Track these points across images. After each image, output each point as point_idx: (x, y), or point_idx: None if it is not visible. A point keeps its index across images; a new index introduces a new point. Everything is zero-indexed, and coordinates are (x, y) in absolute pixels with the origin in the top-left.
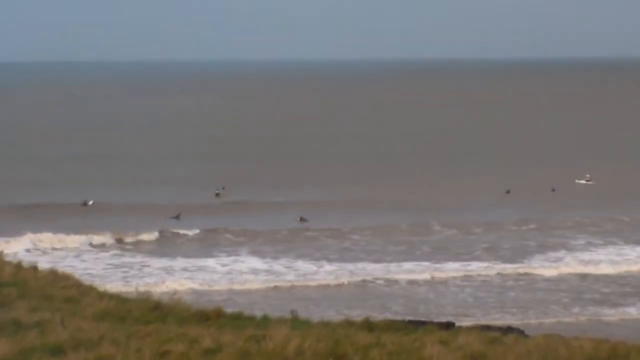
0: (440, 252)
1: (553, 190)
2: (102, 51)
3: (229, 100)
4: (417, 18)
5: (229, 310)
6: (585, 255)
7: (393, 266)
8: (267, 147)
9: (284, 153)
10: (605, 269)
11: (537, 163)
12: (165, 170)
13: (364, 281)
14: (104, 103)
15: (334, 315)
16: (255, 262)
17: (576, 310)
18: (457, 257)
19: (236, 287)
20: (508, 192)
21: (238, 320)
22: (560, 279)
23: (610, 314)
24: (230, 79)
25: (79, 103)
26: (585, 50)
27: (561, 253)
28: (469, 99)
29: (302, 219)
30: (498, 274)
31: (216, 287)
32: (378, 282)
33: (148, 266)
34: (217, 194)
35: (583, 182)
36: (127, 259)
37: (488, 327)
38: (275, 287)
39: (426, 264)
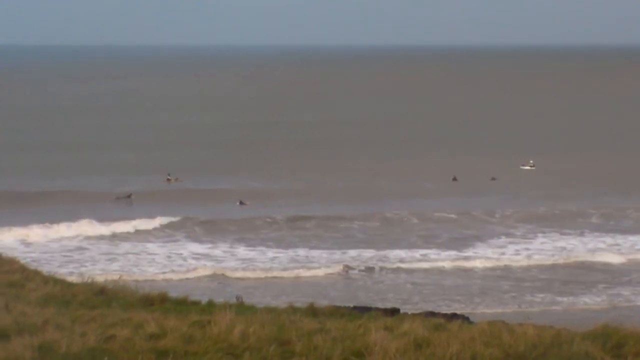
0: (383, 241)
1: (493, 179)
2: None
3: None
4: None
5: (173, 295)
6: (525, 244)
7: (338, 254)
8: (223, 134)
9: (238, 140)
10: (547, 259)
11: (485, 149)
12: (110, 156)
13: (304, 268)
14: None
15: (270, 301)
16: (196, 248)
17: (518, 298)
18: (397, 245)
19: (175, 274)
20: (454, 179)
21: (182, 305)
22: (501, 267)
23: (553, 302)
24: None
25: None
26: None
27: (501, 241)
28: (431, 86)
29: (241, 203)
30: (437, 261)
31: (156, 272)
32: (316, 270)
33: (89, 250)
34: (168, 180)
35: (527, 167)
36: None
37: (433, 314)
38: (214, 274)
39: (371, 251)
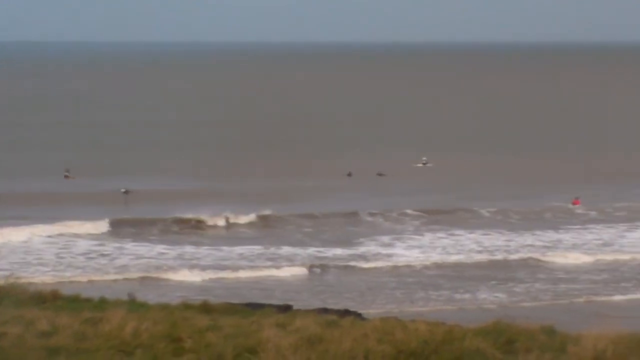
0: (270, 241)
1: (380, 174)
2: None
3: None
4: None
5: (66, 292)
6: (416, 242)
7: (226, 251)
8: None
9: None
10: (435, 257)
11: (383, 146)
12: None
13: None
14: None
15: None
16: (87, 245)
17: (409, 296)
18: (286, 242)
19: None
20: (349, 174)
21: (75, 302)
22: (390, 266)
23: (448, 300)
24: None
25: None
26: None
27: (390, 238)
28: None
29: (126, 191)
30: (323, 259)
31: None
32: (205, 268)
33: None
34: (66, 176)
35: (420, 165)
36: None
37: (325, 310)
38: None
39: (258, 247)
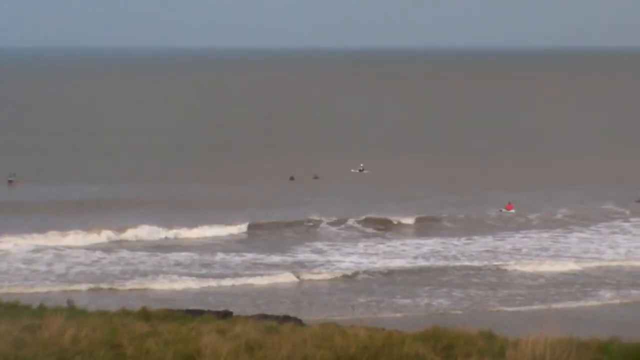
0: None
1: (316, 177)
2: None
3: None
4: None
5: (4, 299)
6: (349, 249)
7: (161, 257)
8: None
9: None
10: (371, 264)
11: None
12: None
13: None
14: None
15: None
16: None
17: (347, 302)
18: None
19: None
20: (292, 178)
21: (13, 309)
22: (328, 272)
23: (387, 306)
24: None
25: None
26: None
27: (325, 245)
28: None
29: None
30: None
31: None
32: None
33: None
34: (10, 181)
35: (357, 171)
36: None
37: (265, 316)
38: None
39: (193, 254)
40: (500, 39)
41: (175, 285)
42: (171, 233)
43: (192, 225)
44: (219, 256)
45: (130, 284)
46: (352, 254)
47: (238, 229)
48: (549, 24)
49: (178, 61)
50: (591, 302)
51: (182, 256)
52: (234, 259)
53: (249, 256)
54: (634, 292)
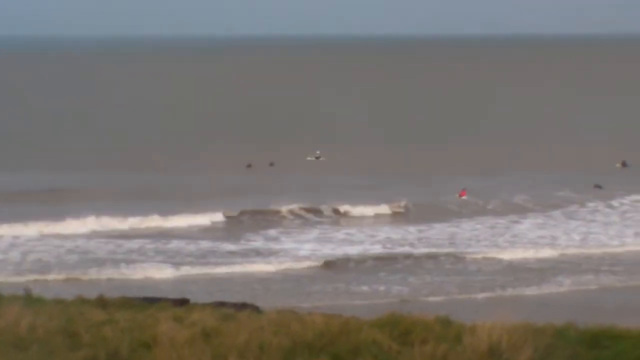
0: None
1: (271, 164)
2: None
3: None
4: None
5: None
6: (302, 237)
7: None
8: None
9: None
10: (328, 251)
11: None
12: None
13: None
14: None
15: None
16: None
17: (305, 289)
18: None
19: None
20: (249, 165)
21: None
22: (283, 260)
23: (340, 293)
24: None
25: None
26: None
27: (275, 232)
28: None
29: None
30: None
31: None
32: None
33: None
34: None
35: (313, 158)
36: None
37: (222, 304)
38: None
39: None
40: (476, 26)
41: (131, 273)
42: (127, 222)
43: (146, 214)
44: (174, 244)
45: (85, 273)
46: (308, 241)
47: (193, 217)
48: (522, 10)
49: (157, 49)
50: (548, 288)
51: (137, 243)
52: (189, 247)
53: (205, 244)
54: (590, 277)
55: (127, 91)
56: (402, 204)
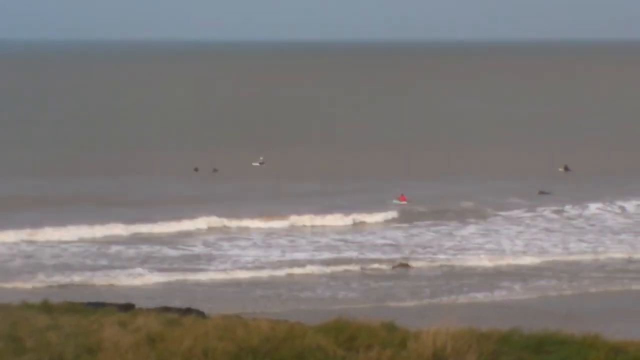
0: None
1: (215, 170)
2: None
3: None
4: None
5: None
6: (246, 243)
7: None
8: None
9: None
10: (271, 257)
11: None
12: None
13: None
14: None
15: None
16: None
17: (249, 295)
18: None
19: None
20: (196, 169)
21: None
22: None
23: (285, 299)
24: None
25: None
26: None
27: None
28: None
29: None
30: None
31: None
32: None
33: None
34: None
35: (257, 164)
36: None
37: (167, 309)
38: None
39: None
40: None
41: (76, 278)
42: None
43: (92, 221)
44: (114, 249)
45: (28, 279)
46: (250, 247)
47: (135, 223)
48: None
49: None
50: (492, 294)
51: (81, 251)
52: (129, 251)
53: (145, 249)
54: (534, 283)
55: (86, 98)
56: (345, 210)
